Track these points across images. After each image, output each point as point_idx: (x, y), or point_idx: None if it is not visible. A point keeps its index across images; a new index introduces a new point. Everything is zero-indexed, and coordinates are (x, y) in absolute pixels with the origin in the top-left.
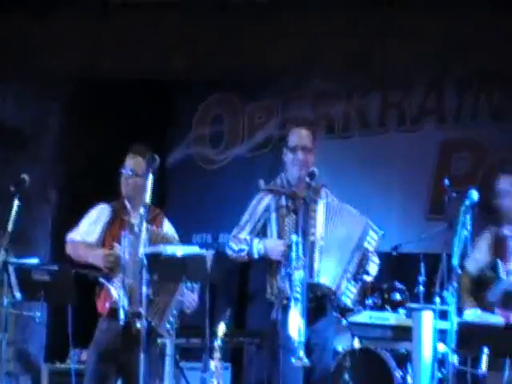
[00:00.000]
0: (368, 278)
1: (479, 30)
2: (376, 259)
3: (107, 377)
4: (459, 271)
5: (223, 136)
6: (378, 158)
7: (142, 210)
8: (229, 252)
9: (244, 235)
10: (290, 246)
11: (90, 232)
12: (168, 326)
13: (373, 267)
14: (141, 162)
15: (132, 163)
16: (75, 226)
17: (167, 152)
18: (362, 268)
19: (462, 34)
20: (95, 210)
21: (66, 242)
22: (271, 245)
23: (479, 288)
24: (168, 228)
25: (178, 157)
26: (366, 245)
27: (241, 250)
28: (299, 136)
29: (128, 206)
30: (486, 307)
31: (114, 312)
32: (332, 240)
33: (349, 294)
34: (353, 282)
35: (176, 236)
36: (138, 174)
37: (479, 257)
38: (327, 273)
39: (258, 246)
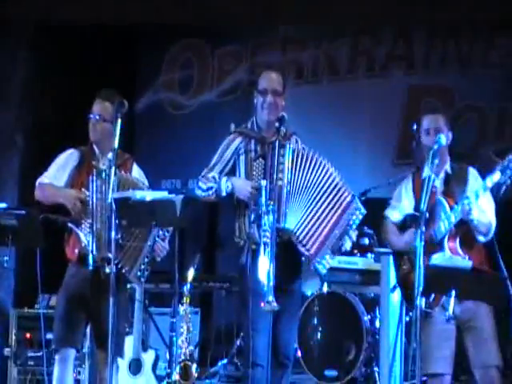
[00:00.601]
0: (346, 246)
1: None
2: (354, 235)
3: (77, 321)
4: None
5: (192, 81)
6: (346, 103)
7: (110, 155)
8: (198, 192)
9: (212, 175)
10: (259, 191)
11: (59, 177)
12: (139, 273)
13: (348, 244)
14: (108, 107)
15: (99, 108)
16: (44, 171)
17: (135, 97)
18: (340, 243)
19: None
20: (63, 155)
21: (35, 187)
22: (239, 184)
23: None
24: (137, 173)
25: (146, 102)
26: (351, 219)
27: (209, 188)
28: (269, 79)
29: (96, 151)
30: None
31: (82, 257)
32: (299, 185)
33: (325, 263)
34: (331, 255)
35: (146, 181)
36: (105, 119)
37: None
38: (293, 218)
39: (227, 184)
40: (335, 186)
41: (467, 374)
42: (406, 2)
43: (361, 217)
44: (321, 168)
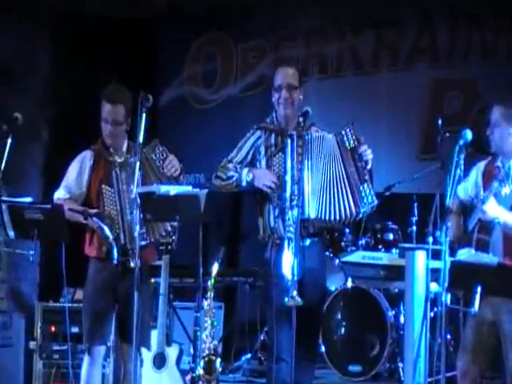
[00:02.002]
0: (369, 166)
1: None
2: (364, 147)
3: (106, 317)
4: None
5: (216, 75)
6: (370, 97)
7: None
8: (217, 182)
9: (233, 165)
10: (283, 186)
11: (79, 182)
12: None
13: (366, 154)
14: (120, 110)
15: (110, 113)
16: (62, 181)
17: (159, 91)
18: (360, 167)
19: None
20: (76, 160)
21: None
22: (260, 174)
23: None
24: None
25: (170, 96)
26: (347, 146)
27: (229, 178)
28: (284, 75)
29: (110, 146)
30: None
31: (107, 252)
32: (318, 172)
33: (367, 193)
34: (365, 185)
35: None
36: (118, 122)
37: (467, 185)
38: (318, 206)
39: (248, 174)
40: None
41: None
42: None
43: (349, 130)
44: (327, 142)
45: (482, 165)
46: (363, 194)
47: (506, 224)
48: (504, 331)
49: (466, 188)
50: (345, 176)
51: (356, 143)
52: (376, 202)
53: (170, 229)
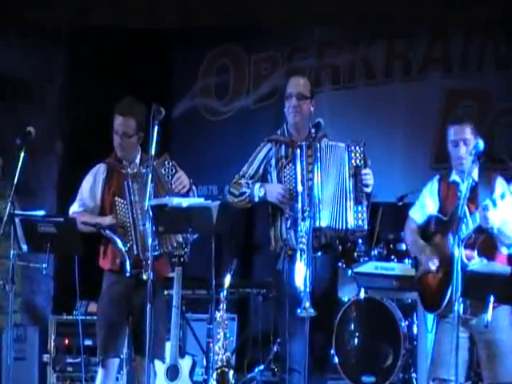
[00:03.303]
0: (368, 190)
1: None
2: (367, 170)
3: (120, 329)
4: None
5: (229, 87)
6: (383, 107)
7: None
8: (230, 199)
9: (245, 181)
10: (294, 197)
11: (93, 195)
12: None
13: (368, 178)
14: (131, 123)
15: (122, 126)
16: (76, 194)
17: (172, 103)
18: (359, 187)
19: None
20: (90, 173)
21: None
22: (270, 188)
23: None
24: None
25: (183, 108)
26: (353, 163)
27: (242, 194)
28: (294, 83)
29: (121, 158)
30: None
31: (121, 265)
32: (328, 182)
33: (360, 216)
34: (359, 207)
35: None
36: (129, 135)
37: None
38: (329, 215)
39: (260, 190)
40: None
41: None
42: (443, 1)
43: (359, 148)
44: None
45: (433, 183)
46: (356, 216)
47: (501, 230)
48: (495, 342)
49: (426, 209)
50: (349, 188)
51: (362, 163)
52: (366, 228)
53: (181, 240)
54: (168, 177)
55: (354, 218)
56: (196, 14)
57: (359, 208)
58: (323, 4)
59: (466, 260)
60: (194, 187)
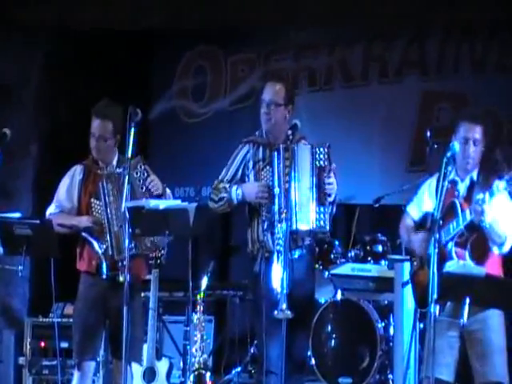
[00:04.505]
0: (330, 199)
1: None
2: (331, 179)
3: (97, 332)
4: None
5: (206, 89)
6: (360, 110)
7: (115, 162)
8: (211, 204)
9: (223, 186)
10: (271, 198)
11: (70, 196)
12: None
13: (330, 188)
14: (108, 126)
15: (99, 128)
16: (53, 196)
17: (149, 105)
18: (322, 188)
19: None
20: (67, 175)
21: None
22: (247, 188)
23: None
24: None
25: (160, 110)
26: (317, 164)
27: (221, 199)
28: (268, 90)
29: (99, 162)
30: None
31: (97, 267)
32: (305, 183)
33: (322, 217)
34: (321, 207)
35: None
36: (106, 138)
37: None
38: (305, 217)
39: (237, 192)
40: None
41: None
42: (419, 4)
43: (323, 150)
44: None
45: (433, 180)
46: (318, 216)
47: (492, 227)
48: (485, 341)
49: (424, 206)
50: (312, 189)
51: (326, 163)
52: (328, 230)
53: (155, 240)
54: (139, 180)
55: (317, 218)
56: (174, 16)
57: (321, 209)
58: (301, 6)
59: (455, 258)
60: (168, 191)
